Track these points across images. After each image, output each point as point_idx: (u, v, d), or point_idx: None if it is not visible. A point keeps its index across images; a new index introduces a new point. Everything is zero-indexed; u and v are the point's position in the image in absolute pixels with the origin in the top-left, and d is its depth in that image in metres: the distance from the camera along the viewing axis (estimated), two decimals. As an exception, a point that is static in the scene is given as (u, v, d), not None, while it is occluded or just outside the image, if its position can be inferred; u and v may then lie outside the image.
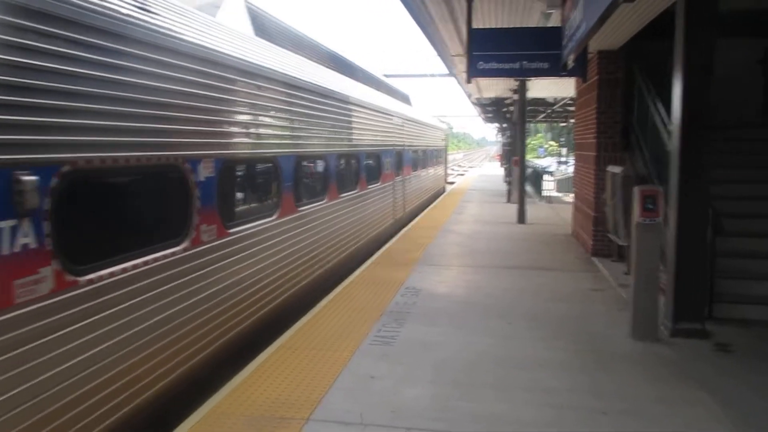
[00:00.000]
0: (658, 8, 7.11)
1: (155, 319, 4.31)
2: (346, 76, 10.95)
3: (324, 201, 8.43)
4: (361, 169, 10.68)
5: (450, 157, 33.46)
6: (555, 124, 44.83)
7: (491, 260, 9.76)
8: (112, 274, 3.83)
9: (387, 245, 11.25)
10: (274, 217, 6.60)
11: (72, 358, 3.45)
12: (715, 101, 6.07)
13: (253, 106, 6.05)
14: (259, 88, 6.13)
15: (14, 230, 3.06)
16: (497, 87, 19.57)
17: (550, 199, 20.41)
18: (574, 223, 12.58)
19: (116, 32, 3.89)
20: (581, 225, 11.40)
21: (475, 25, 8.00)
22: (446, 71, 17.77)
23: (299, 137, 7.39)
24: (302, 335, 5.94)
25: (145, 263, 4.21)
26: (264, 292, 6.29)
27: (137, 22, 4.15)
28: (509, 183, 20.42)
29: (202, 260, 5.00)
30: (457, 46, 11.71)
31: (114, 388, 3.85)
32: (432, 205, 18.69)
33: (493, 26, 9.34)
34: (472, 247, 10.96)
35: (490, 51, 7.65)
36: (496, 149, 74.27)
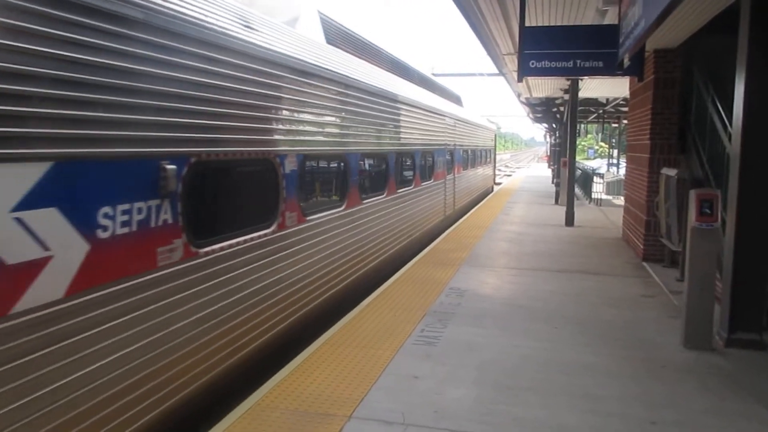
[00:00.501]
0: (722, 4, 6.84)
1: (249, 290, 5.06)
2: (404, 78, 11.44)
3: (384, 195, 9.08)
4: (417, 167, 11.22)
5: (497, 158, 33.69)
6: (606, 125, 43.81)
7: (538, 263, 9.60)
8: (221, 249, 4.63)
9: (432, 245, 11.20)
10: (342, 208, 7.27)
11: (196, 312, 4.31)
12: None
13: (327, 108, 6.70)
14: (332, 92, 6.81)
15: (158, 208, 3.89)
16: (547, 86, 19.25)
17: (599, 202, 19.95)
18: (624, 227, 12.26)
19: (232, 48, 4.70)
20: (632, 229, 11.10)
21: (527, 23, 7.86)
22: (496, 70, 17.55)
23: (364, 136, 8.03)
24: (347, 332, 5.97)
25: (244, 242, 4.98)
26: (330, 276, 6.90)
27: (246, 38, 4.95)
28: (557, 185, 20.07)
29: (284, 243, 5.73)
30: (508, 45, 11.56)
31: (222, 342, 4.67)
32: (479, 205, 18.55)
33: (546, 24, 9.17)
34: (518, 249, 10.81)
35: (542, 49, 7.50)
36: (544, 150, 73.13)
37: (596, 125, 49.97)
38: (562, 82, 17.17)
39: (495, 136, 28.41)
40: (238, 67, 4.77)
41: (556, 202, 19.00)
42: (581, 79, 15.12)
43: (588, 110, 28.58)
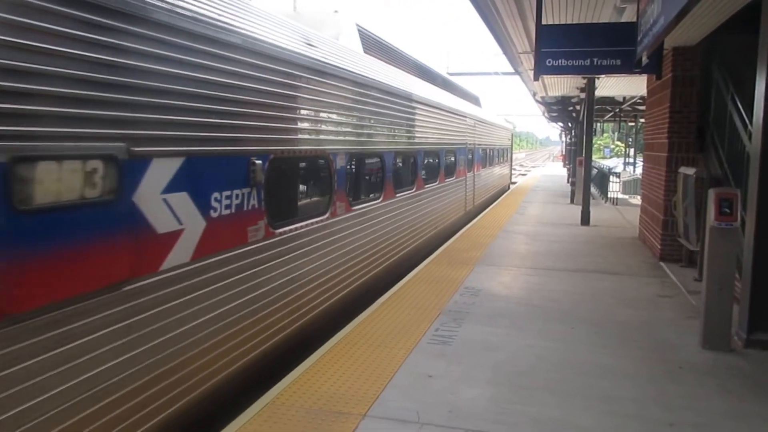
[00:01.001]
0: (741, 1, 6.75)
1: (310, 266, 6.03)
2: (429, 83, 12.18)
3: (413, 190, 10.09)
4: (441, 164, 12.12)
5: (513, 157, 34.00)
6: (623, 124, 43.42)
7: (553, 262, 9.54)
8: (289, 230, 5.56)
9: (446, 244, 11.18)
10: (380, 200, 8.23)
11: (274, 281, 5.30)
12: None
13: (367, 111, 7.54)
14: (371, 97, 7.64)
15: (248, 195, 4.82)
16: (564, 85, 19.11)
17: (615, 201, 19.78)
18: (640, 226, 12.15)
19: (299, 63, 5.60)
20: (649, 228, 11.00)
21: (544, 22, 7.81)
22: (511, 69, 17.45)
23: (397, 137, 8.97)
24: (361, 330, 5.97)
25: (306, 225, 5.93)
26: (372, 259, 7.88)
27: (308, 55, 5.86)
28: (573, 184, 19.93)
29: (336, 228, 6.64)
30: (524, 44, 11.49)
31: (292, 307, 5.67)
32: (494, 204, 18.55)
33: (563, 22, 9.10)
34: (533, 249, 10.75)
35: (559, 48, 7.45)
36: (559, 149, 72.66)
37: (612, 124, 49.55)
38: (578, 81, 17.03)
39: (512, 135, 29.36)
40: (302, 78, 5.70)
41: (572, 201, 18.88)
42: (598, 78, 15.00)
43: (604, 109, 28.34)
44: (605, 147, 66.96)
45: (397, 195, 8.98)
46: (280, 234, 5.37)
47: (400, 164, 9.54)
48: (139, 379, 3.63)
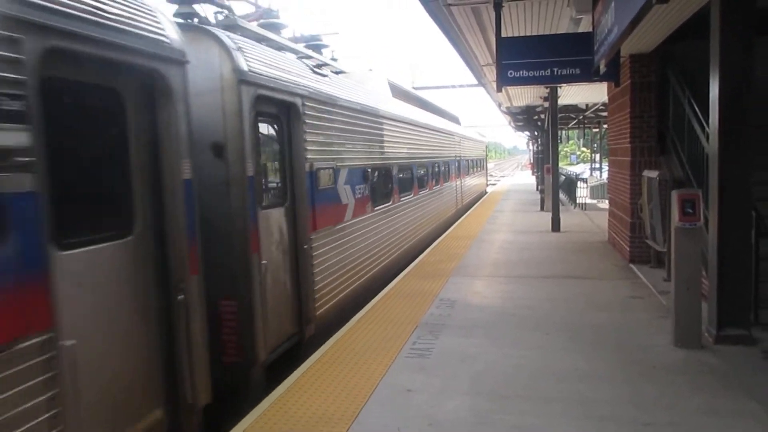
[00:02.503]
0: (692, 9, 6.98)
1: (385, 232, 9.79)
2: (428, 111, 15.98)
3: (425, 190, 13.76)
4: (440, 172, 15.85)
5: (484, 166, 36.73)
6: (587, 131, 44.23)
7: (526, 270, 9.65)
8: (377, 210, 9.32)
9: (420, 257, 11.22)
10: (411, 195, 12.12)
11: (375, 235, 9.08)
12: (758, 101, 5.90)
13: (403, 137, 11.40)
14: (401, 127, 11.32)
15: (363, 189, 8.42)
16: (527, 95, 19.43)
17: (584, 206, 20.10)
18: (609, 230, 12.36)
19: (366, 110, 9.03)
20: (617, 231, 11.19)
21: (504, 34, 7.96)
22: (475, 81, 17.69)
23: (418, 153, 12.95)
24: (339, 348, 5.94)
25: (382, 209, 9.69)
26: (407, 235, 11.56)
27: (368, 103, 9.21)
28: (542, 191, 20.22)
29: (394, 210, 10.54)
30: (486, 56, 11.68)
31: (381, 254, 9.55)
32: (468, 212, 18.91)
33: (522, 34, 9.28)
34: (506, 257, 10.85)
35: (519, 59, 7.60)
36: (527, 158, 73.49)
37: (577, 131, 50.43)
38: (541, 90, 17.34)
39: (486, 147, 34.50)
40: (376, 120, 9.47)
41: (542, 208, 19.12)
42: (560, 87, 15.29)
43: (569, 116, 28.88)
44: (572, 154, 68.03)
45: (420, 192, 13.01)
46: (374, 211, 9.18)
47: (421, 172, 13.32)
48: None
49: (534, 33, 9.26)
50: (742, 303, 5.81)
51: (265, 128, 5.97)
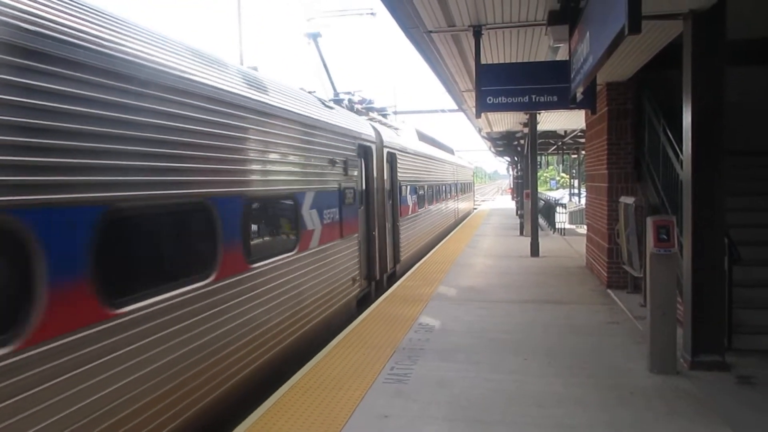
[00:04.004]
0: (665, 40, 7.17)
1: (423, 224, 16.67)
2: (436, 147, 22.42)
3: (440, 203, 20.66)
4: (444, 192, 21.82)
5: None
6: (566, 156, 44.83)
7: (505, 294, 9.67)
8: (421, 210, 16.27)
9: (400, 281, 11.20)
10: (433, 204, 18.53)
11: (419, 224, 16.15)
12: (730, 129, 6.04)
13: (426, 166, 17.29)
14: (427, 161, 17.55)
15: (415, 197, 15.32)
16: (507, 121, 19.67)
17: (563, 231, 20.27)
18: (587, 255, 12.47)
19: (410, 152, 15.26)
20: (595, 257, 11.29)
21: (483, 61, 8.07)
22: (455, 106, 17.90)
23: (435, 178, 19.39)
24: (314, 375, 5.88)
25: (423, 210, 16.79)
26: (435, 224, 18.77)
27: (410, 147, 15.20)
28: (521, 216, 20.38)
29: (428, 211, 17.58)
30: (466, 82, 11.82)
31: (418, 237, 16.05)
32: (447, 238, 19.13)
33: (502, 61, 9.42)
34: (485, 282, 10.87)
35: (498, 86, 7.69)
36: (507, 183, 74.08)
37: (557, 156, 51.09)
38: (521, 116, 17.57)
39: (473, 172, 45.02)
40: (416, 155, 15.50)
41: (521, 233, 19.25)
42: (539, 113, 15.51)
43: (548, 142, 29.24)
44: (551, 179, 68.80)
45: (437, 203, 19.74)
46: (420, 210, 15.59)
47: (437, 190, 19.96)
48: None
49: (513, 60, 9.41)
50: (716, 329, 5.87)
51: (388, 165, 12.14)
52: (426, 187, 17.10)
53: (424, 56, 9.43)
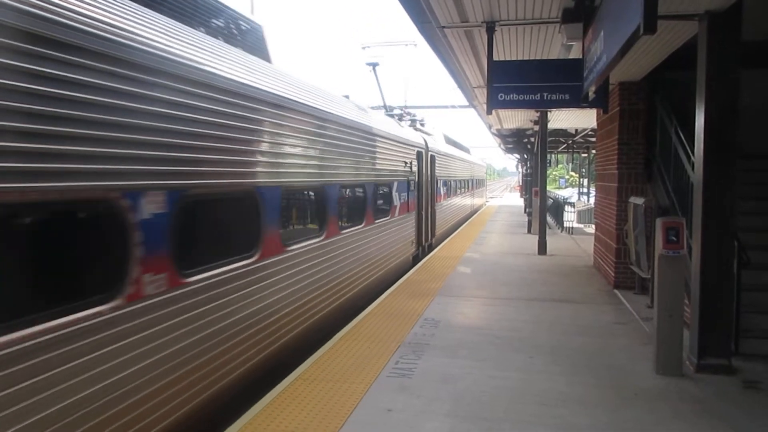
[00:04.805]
0: (679, 40, 7.11)
1: (455, 207, 22.33)
2: (458, 148, 26.69)
3: (456, 196, 22.86)
4: (462, 186, 25.09)
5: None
6: (576, 155, 44.63)
7: (511, 292, 9.66)
8: (453, 197, 21.99)
9: (406, 276, 11.20)
10: (459, 193, 23.79)
11: (451, 207, 21.58)
12: (742, 132, 5.99)
13: (456, 165, 22.48)
14: (457, 161, 22.85)
15: (447, 189, 20.41)
16: (518, 118, 19.60)
17: (571, 230, 20.21)
18: (595, 255, 12.42)
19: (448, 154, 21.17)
20: (602, 257, 11.26)
21: (495, 58, 8.04)
22: (466, 102, 17.85)
23: (462, 174, 24.57)
24: (319, 367, 5.90)
25: (456, 196, 23.00)
26: (464, 208, 25.62)
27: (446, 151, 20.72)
28: (530, 214, 20.35)
29: (455, 198, 22.52)
30: (477, 78, 11.77)
31: (452, 217, 21.66)
32: (456, 233, 19.15)
33: (514, 58, 9.38)
34: (492, 279, 10.86)
35: (510, 83, 7.66)
36: (516, 180, 73.81)
37: (566, 155, 50.86)
38: (531, 114, 17.50)
39: (486, 169, 50.90)
40: (446, 155, 19.81)
41: (529, 231, 19.21)
42: (550, 111, 15.44)
43: (558, 140, 29.10)
44: (560, 177, 68.54)
45: (459, 194, 23.64)
46: (452, 197, 20.94)
47: (465, 184, 25.28)
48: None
49: (525, 57, 9.36)
50: (723, 332, 5.84)
51: (430, 164, 15.69)
52: (451, 181, 21.04)
53: (437, 52, 9.40)
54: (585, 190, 41.46)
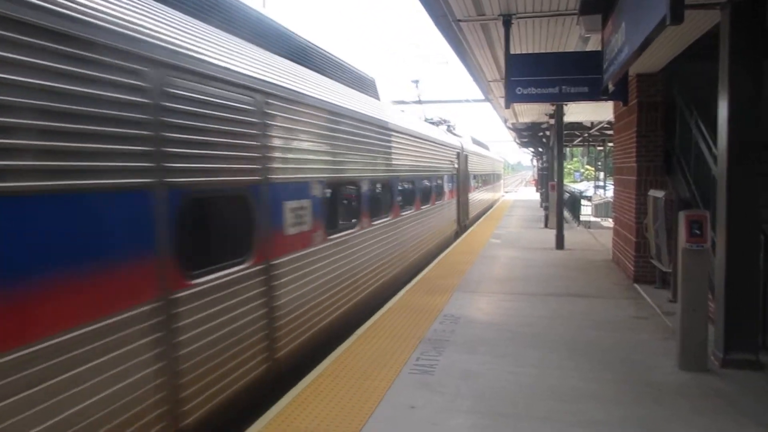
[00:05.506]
0: (700, 30, 7.00)
1: (481, 197, 26.07)
2: (481, 146, 29.04)
3: (481, 188, 25.94)
4: (489, 179, 29.50)
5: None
6: (592, 148, 44.29)
7: (530, 287, 9.60)
8: (480, 188, 25.65)
9: (423, 272, 11.19)
10: (486, 185, 28.31)
11: (477, 198, 24.61)
12: (764, 122, 5.89)
13: (480, 161, 25.28)
14: (483, 158, 27.22)
15: (476, 182, 23.71)
16: (533, 112, 19.50)
17: (588, 224, 20.06)
18: (614, 249, 12.31)
19: (479, 153, 25.75)
20: (621, 251, 11.15)
21: (512, 51, 7.98)
22: (482, 97, 17.78)
23: (482, 169, 26.35)
24: (342, 363, 5.90)
25: (483, 188, 26.79)
26: (489, 199, 29.82)
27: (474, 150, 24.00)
28: (546, 208, 20.23)
29: (481, 191, 26.02)
30: (494, 72, 11.71)
31: (479, 205, 25.45)
32: (475, 225, 19.15)
33: (531, 51, 9.31)
34: (510, 274, 10.81)
35: (528, 76, 7.61)
36: (531, 174, 73.41)
37: (582, 149, 50.49)
38: (547, 107, 17.40)
39: (503, 164, 55.79)
40: (474, 154, 23.05)
41: (546, 225, 19.10)
42: (565, 104, 15.32)
43: (573, 134, 28.93)
44: (576, 171, 68.08)
45: (483, 187, 26.74)
46: (479, 188, 25.08)
47: (485, 177, 27.72)
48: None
49: (542, 50, 9.29)
50: (749, 327, 5.76)
51: (464, 161, 19.09)
52: (477, 176, 24.22)
53: (453, 46, 9.35)
54: (601, 183, 41.17)
